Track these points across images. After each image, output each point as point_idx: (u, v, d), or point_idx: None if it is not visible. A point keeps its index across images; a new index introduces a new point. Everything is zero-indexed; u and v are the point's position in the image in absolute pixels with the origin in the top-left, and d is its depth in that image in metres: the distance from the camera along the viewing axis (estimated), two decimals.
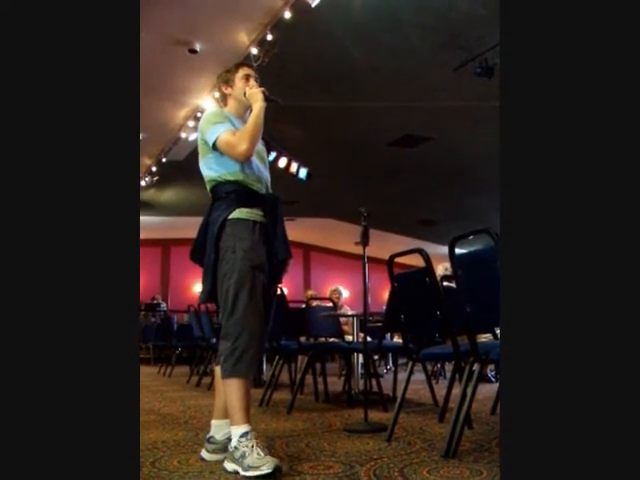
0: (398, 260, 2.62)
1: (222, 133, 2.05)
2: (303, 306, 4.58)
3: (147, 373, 7.49)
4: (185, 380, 6.02)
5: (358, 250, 3.42)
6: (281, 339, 3.96)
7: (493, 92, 5.08)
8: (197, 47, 5.38)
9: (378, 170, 8.63)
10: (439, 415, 2.97)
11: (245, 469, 1.81)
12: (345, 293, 7.61)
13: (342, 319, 4.83)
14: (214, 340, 5.20)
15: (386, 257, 2.70)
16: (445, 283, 3.06)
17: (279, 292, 2.90)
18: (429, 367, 4.88)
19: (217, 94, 2.53)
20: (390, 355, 6.48)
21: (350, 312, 5.22)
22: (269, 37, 5.04)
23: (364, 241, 2.86)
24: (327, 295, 6.79)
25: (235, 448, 1.88)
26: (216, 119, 2.11)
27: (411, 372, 2.68)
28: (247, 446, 1.85)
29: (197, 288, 12.22)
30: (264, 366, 5.39)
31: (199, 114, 6.46)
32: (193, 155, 2.39)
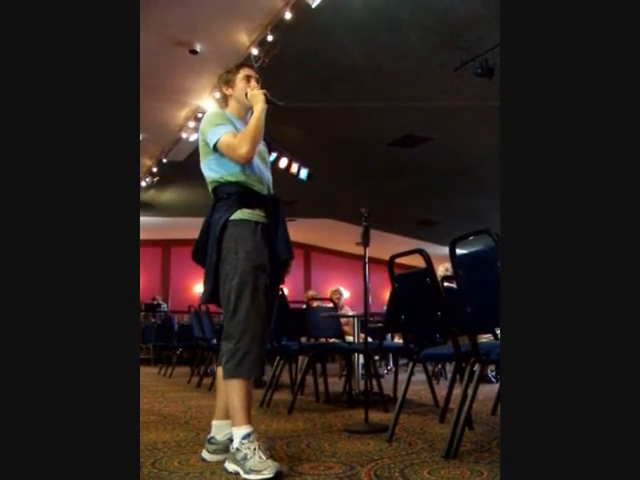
0: (399, 261, 2.63)
1: (223, 135, 2.05)
2: (304, 307, 4.57)
3: (147, 374, 7.48)
4: (186, 381, 6.02)
5: (358, 250, 3.43)
6: (282, 340, 3.96)
7: (493, 92, 5.09)
8: (197, 47, 5.38)
9: (378, 170, 8.63)
10: (440, 415, 2.97)
11: (247, 472, 1.81)
12: (346, 294, 7.62)
13: (343, 320, 4.82)
14: (215, 341, 5.19)
15: (386, 257, 2.71)
16: (446, 284, 3.06)
17: (280, 293, 2.89)
18: (430, 368, 4.87)
19: (218, 95, 2.53)
20: (391, 356, 6.47)
21: (351, 313, 5.23)
22: (269, 38, 5.04)
23: (365, 241, 2.85)
24: (328, 296, 6.79)
25: (237, 449, 1.88)
26: (217, 120, 2.11)
27: (412, 373, 2.68)
28: (249, 448, 1.85)
29: (197, 289, 12.23)
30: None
31: (199, 115, 6.46)
32: (193, 156, 2.39)
